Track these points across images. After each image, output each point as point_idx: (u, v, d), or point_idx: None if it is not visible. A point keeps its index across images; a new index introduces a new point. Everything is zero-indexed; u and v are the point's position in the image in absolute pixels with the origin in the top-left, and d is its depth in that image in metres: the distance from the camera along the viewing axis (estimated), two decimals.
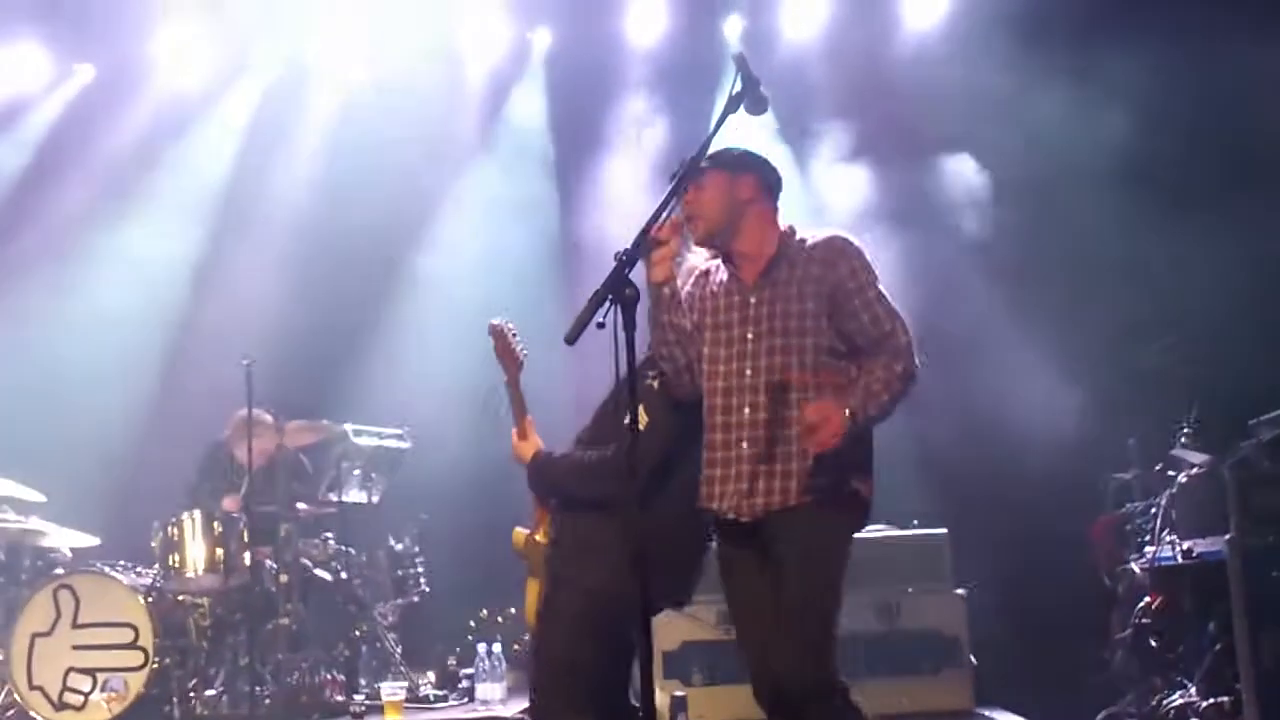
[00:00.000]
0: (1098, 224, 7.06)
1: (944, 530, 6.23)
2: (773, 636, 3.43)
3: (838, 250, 3.53)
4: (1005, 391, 7.06)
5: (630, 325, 3.28)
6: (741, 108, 3.34)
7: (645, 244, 3.47)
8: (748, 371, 3.48)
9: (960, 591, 6.10)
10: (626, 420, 3.49)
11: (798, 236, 3.61)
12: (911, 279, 7.40)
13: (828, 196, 7.82)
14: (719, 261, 3.70)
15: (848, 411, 3.32)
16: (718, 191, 3.56)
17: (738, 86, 3.31)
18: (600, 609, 3.71)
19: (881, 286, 3.53)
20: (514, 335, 4.17)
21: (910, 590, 6.10)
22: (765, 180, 3.63)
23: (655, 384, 3.76)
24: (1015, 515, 6.85)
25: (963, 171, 7.62)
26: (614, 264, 3.20)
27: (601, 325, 3.34)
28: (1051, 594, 6.59)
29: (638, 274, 3.26)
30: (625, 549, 3.56)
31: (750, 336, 3.51)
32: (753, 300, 3.54)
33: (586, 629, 3.76)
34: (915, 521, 6.36)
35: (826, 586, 3.47)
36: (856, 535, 6.24)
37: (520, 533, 4.18)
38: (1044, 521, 6.72)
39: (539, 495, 4.07)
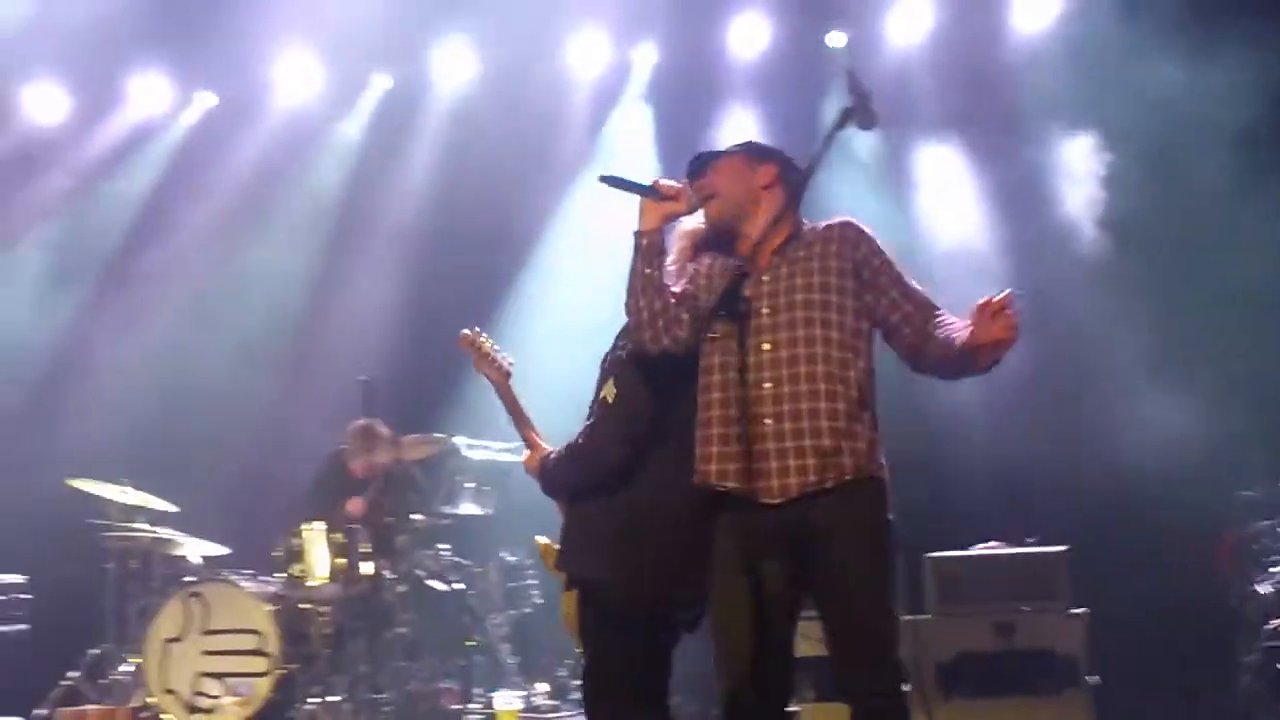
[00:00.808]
0: (1226, 206, 6.79)
1: (1061, 547, 6.12)
2: (839, 635, 3.29)
3: (857, 230, 3.51)
4: (1122, 398, 6.92)
5: (742, 343, 3.32)
6: (851, 123, 3.35)
7: (647, 189, 3.49)
8: (765, 346, 3.37)
9: (1079, 611, 5.99)
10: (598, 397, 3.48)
11: (808, 225, 3.58)
12: (1020, 276, 7.36)
13: (932, 184, 7.82)
14: (717, 253, 3.63)
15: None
16: (735, 174, 3.56)
17: (848, 102, 3.32)
18: (610, 606, 3.56)
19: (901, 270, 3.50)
20: (491, 344, 4.12)
21: (1026, 609, 6.00)
22: (785, 172, 3.59)
23: (625, 353, 3.65)
24: (1135, 531, 6.68)
25: (1076, 156, 7.51)
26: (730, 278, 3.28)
27: (713, 337, 3.41)
28: (1173, 614, 6.42)
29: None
30: (620, 535, 3.54)
31: (766, 310, 3.40)
32: (765, 278, 3.46)
33: (604, 625, 3.58)
34: (1030, 539, 6.26)
35: (888, 573, 3.32)
36: (970, 553, 6.25)
37: (542, 543, 4.12)
38: (1165, 538, 6.54)
39: (555, 499, 3.91)
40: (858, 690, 3.29)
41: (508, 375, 4.13)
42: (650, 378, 3.57)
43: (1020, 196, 7.59)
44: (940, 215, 7.70)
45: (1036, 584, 6.03)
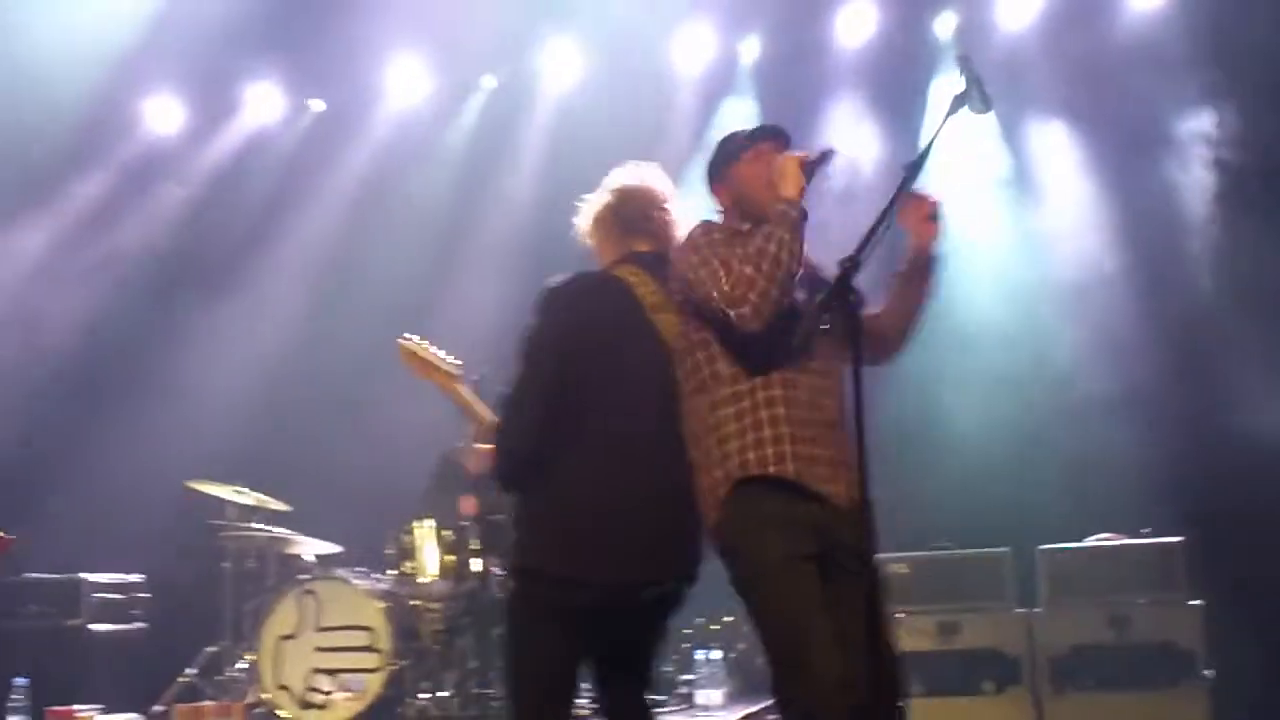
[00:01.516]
0: None
1: (1178, 538, 5.99)
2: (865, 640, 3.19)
3: None
4: (1239, 380, 6.74)
5: (856, 333, 3.28)
6: (965, 107, 3.32)
7: (788, 152, 3.41)
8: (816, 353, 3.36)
9: (1196, 603, 5.85)
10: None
11: None
12: (1138, 258, 7.21)
13: (1046, 166, 7.73)
14: None
15: None
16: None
17: (961, 87, 3.29)
18: (546, 599, 3.38)
19: None
20: (429, 347, 3.92)
21: (1142, 601, 5.89)
22: None
23: (521, 344, 3.51)
24: (1254, 519, 6.47)
25: (1193, 134, 7.33)
26: (839, 271, 3.19)
27: (826, 330, 3.37)
28: None
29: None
30: (553, 525, 3.37)
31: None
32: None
33: (527, 616, 3.44)
34: (1145, 530, 6.13)
35: None
36: (1084, 544, 6.11)
37: None
38: None
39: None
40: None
41: (455, 378, 3.94)
42: (543, 368, 3.45)
43: (1136, 176, 7.45)
44: (1055, 198, 7.58)
45: (1152, 575, 5.94)
